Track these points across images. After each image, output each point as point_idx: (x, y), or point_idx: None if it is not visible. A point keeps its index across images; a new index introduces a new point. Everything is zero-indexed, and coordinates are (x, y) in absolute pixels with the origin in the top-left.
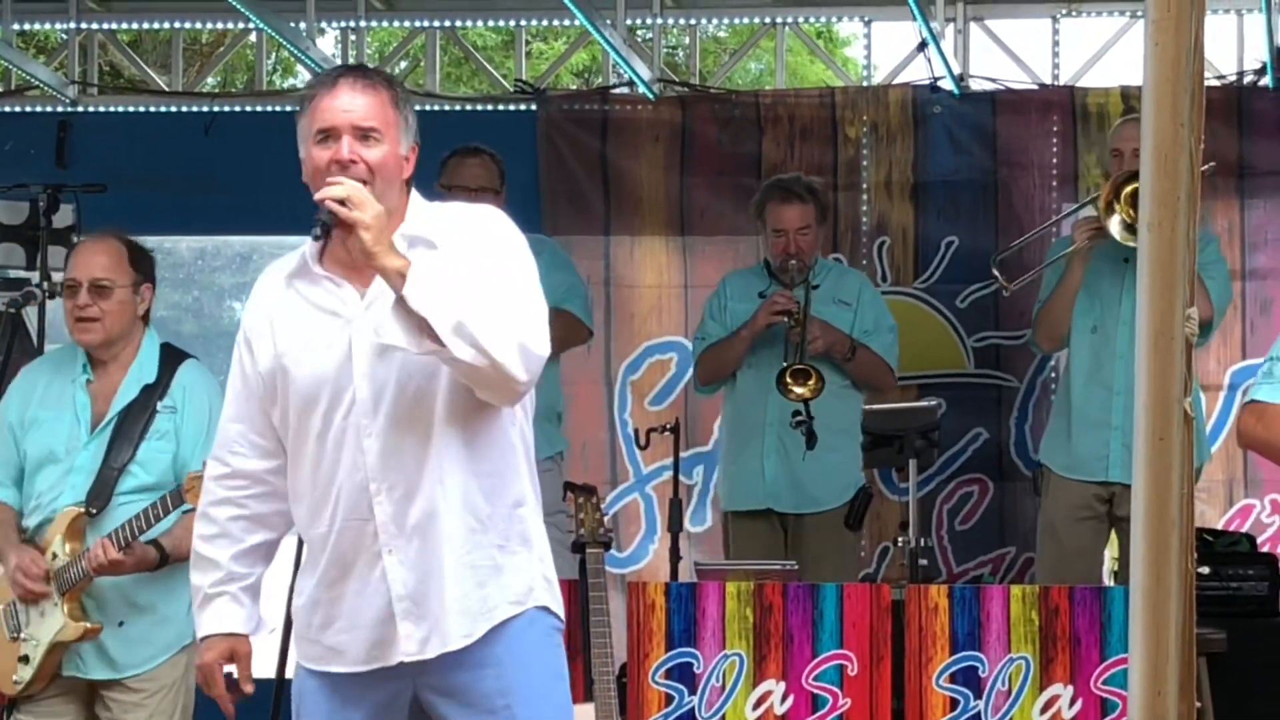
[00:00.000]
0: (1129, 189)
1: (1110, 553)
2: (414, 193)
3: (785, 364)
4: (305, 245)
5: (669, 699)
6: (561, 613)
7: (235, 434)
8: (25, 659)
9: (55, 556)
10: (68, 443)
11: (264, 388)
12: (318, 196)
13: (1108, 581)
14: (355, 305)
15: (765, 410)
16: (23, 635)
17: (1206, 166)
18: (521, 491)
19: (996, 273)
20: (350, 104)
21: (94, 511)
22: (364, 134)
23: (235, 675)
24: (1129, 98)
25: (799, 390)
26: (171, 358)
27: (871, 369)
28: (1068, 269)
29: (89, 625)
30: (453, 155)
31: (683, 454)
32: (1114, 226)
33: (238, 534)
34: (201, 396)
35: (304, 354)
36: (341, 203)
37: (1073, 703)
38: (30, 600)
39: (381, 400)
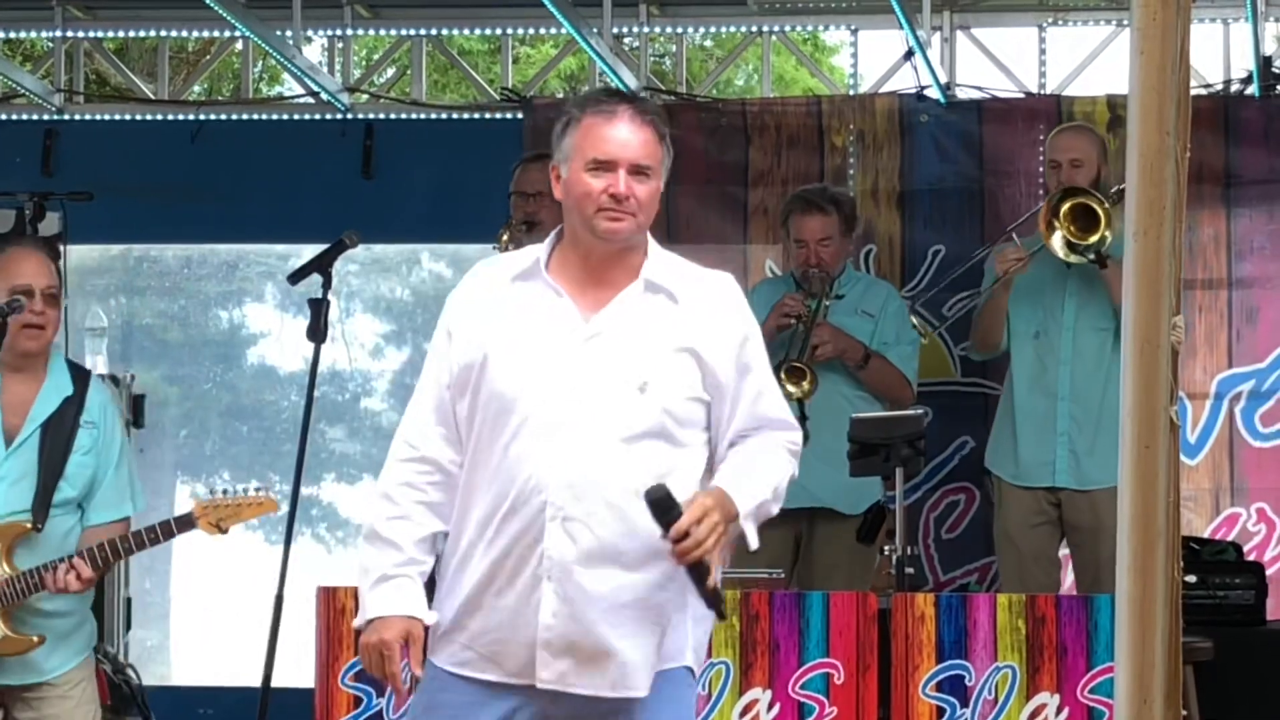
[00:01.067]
0: (1067, 205)
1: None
2: (650, 240)
3: (781, 361)
4: (537, 247)
5: None
6: (700, 668)
7: (429, 420)
8: None
9: None
10: None
11: (456, 378)
12: (682, 563)
13: (1068, 583)
14: (576, 323)
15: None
16: None
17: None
18: None
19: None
20: (631, 138)
21: (39, 528)
22: (639, 170)
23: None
24: (1115, 106)
25: (791, 388)
26: (79, 373)
27: (886, 380)
28: (995, 292)
29: (34, 638)
30: (520, 163)
31: None
32: (1056, 244)
33: (419, 519)
34: (114, 415)
35: (514, 359)
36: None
37: (1059, 711)
38: None
39: (585, 433)
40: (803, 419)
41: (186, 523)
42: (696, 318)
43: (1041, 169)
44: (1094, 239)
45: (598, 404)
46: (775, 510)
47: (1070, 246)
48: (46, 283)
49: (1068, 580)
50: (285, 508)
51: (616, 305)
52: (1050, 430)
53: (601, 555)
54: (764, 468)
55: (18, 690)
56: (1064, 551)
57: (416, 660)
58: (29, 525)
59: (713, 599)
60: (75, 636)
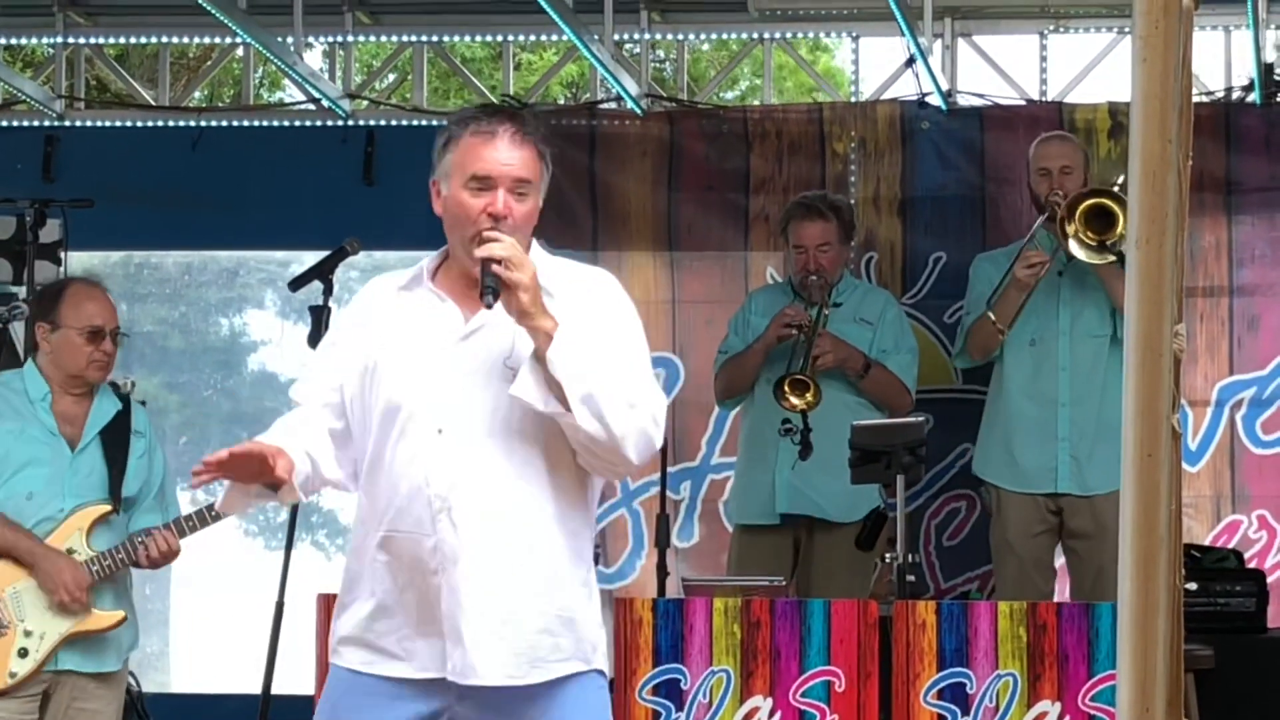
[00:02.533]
0: (1082, 208)
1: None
2: (535, 244)
3: (786, 373)
4: (424, 261)
5: (656, 715)
6: (611, 672)
7: (300, 410)
8: (24, 652)
9: (73, 551)
10: (52, 453)
11: (352, 386)
12: (480, 253)
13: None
14: (456, 325)
15: (780, 424)
16: (25, 628)
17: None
18: (588, 547)
19: (992, 315)
20: (510, 157)
21: (119, 510)
22: (519, 186)
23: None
24: (1116, 113)
25: (795, 400)
26: (117, 391)
27: (886, 388)
28: (1009, 295)
29: (121, 614)
30: None
31: (670, 469)
32: (1075, 249)
33: (302, 432)
34: (152, 431)
35: (398, 362)
36: (500, 262)
37: (1060, 719)
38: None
39: (466, 425)
40: (806, 430)
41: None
42: (568, 307)
43: None
44: (1116, 236)
45: (474, 396)
46: (577, 394)
47: (1094, 247)
48: (116, 324)
49: (1062, 588)
50: (283, 516)
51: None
52: (1050, 437)
53: (488, 545)
54: (611, 373)
55: (64, 680)
56: (1059, 561)
57: (285, 469)
58: (109, 508)
59: (484, 273)
60: (123, 636)
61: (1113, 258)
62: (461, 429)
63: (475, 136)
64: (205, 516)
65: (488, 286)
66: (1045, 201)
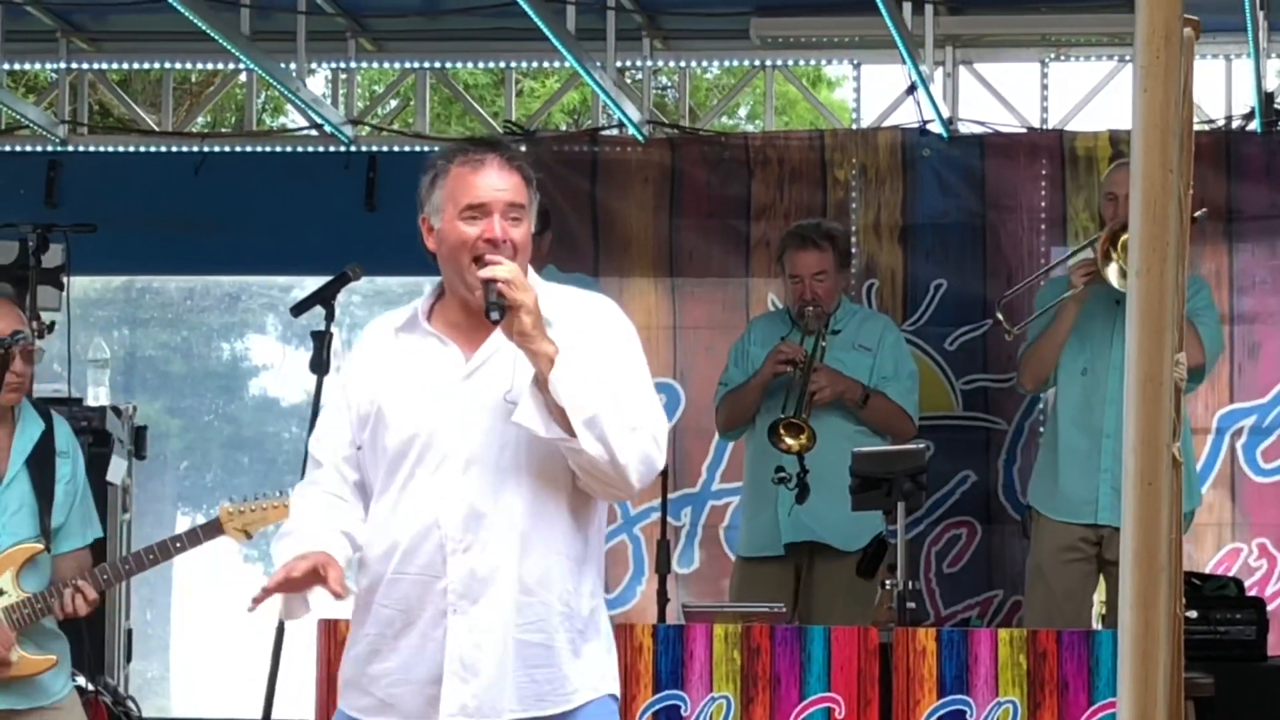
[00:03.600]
0: (1125, 236)
1: (1099, 596)
2: (532, 272)
3: (780, 416)
4: (418, 301)
5: None
6: (620, 695)
7: (322, 472)
8: None
9: (2, 593)
10: None
11: (359, 433)
12: (483, 275)
13: (1095, 625)
14: (458, 366)
15: (777, 458)
16: None
17: (1200, 212)
18: (599, 578)
19: (1000, 316)
20: (502, 183)
21: (49, 548)
22: (514, 210)
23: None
24: (1118, 141)
25: (790, 441)
26: (41, 408)
27: (886, 416)
28: (1061, 312)
29: (53, 658)
30: None
31: (670, 495)
32: (1112, 274)
33: (326, 511)
34: (77, 447)
35: (402, 405)
36: (502, 282)
37: None
38: None
39: (474, 463)
40: (802, 472)
41: (213, 529)
42: (569, 332)
43: (1044, 203)
44: None
45: (481, 434)
46: (580, 418)
47: (1125, 276)
48: (23, 338)
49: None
50: None
51: (494, 339)
52: (1094, 468)
53: (501, 583)
54: (613, 397)
55: (22, 714)
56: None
57: (336, 580)
58: (41, 546)
59: (488, 293)
60: (65, 664)
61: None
62: (469, 467)
63: (464, 167)
64: (139, 562)
65: (492, 304)
66: (1109, 226)
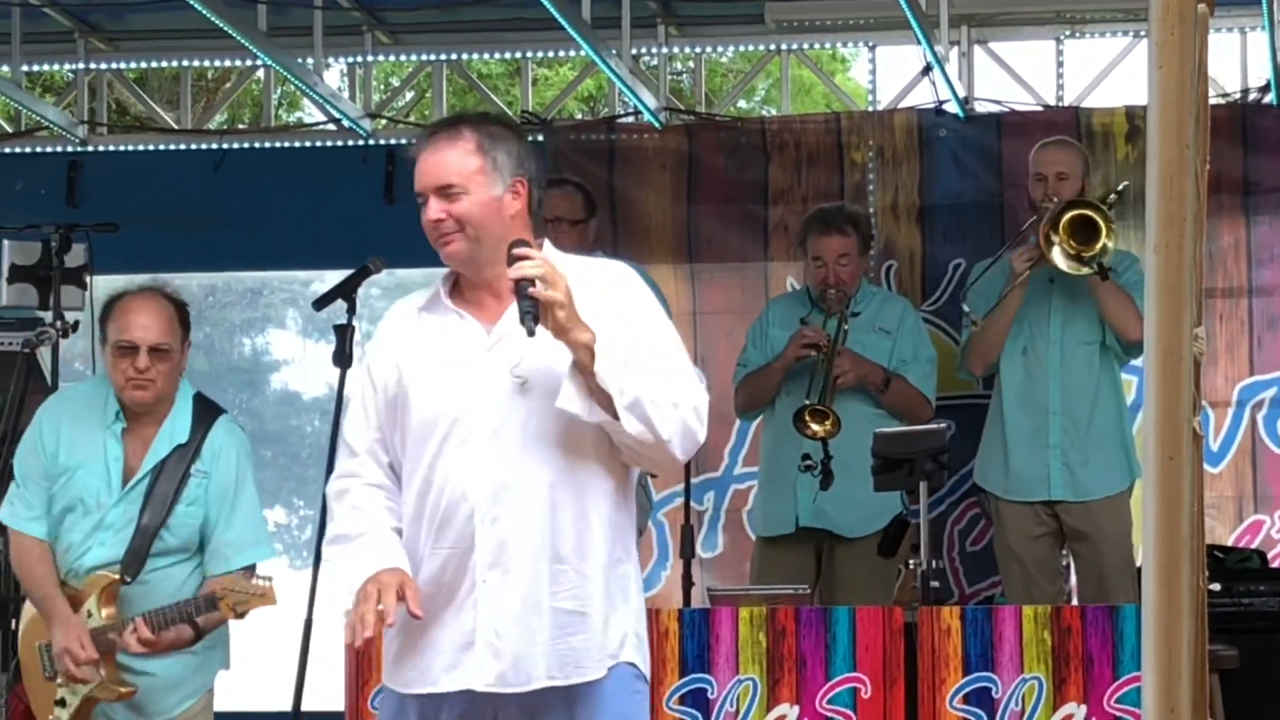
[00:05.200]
0: (1066, 218)
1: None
2: (546, 242)
3: (805, 403)
4: (439, 280)
5: None
6: (648, 671)
7: (357, 461)
8: (62, 702)
9: (90, 615)
10: (98, 495)
11: (385, 415)
12: (513, 275)
13: (1073, 601)
14: (480, 340)
15: (801, 443)
16: (59, 681)
17: (1122, 185)
18: (628, 544)
19: (966, 307)
20: (431, 165)
21: (128, 580)
22: (445, 191)
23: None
24: (1133, 117)
25: (816, 428)
26: (204, 414)
27: (906, 400)
28: (1007, 299)
29: (123, 690)
30: None
31: (693, 480)
32: (1057, 257)
33: (377, 510)
34: (231, 461)
35: (426, 384)
36: (534, 282)
37: None
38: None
39: (500, 436)
40: (826, 458)
41: (211, 603)
42: (594, 307)
43: None
44: (1096, 250)
45: (504, 405)
46: (623, 402)
47: (1074, 258)
48: (155, 340)
49: (1069, 587)
50: (309, 533)
51: (510, 313)
52: (1042, 444)
53: (530, 552)
54: (651, 375)
55: None
56: (1066, 559)
57: (415, 603)
58: (117, 577)
59: (520, 294)
60: (191, 678)
61: (1090, 270)
62: (496, 440)
63: (415, 157)
64: (172, 615)
65: (526, 311)
66: (1038, 206)
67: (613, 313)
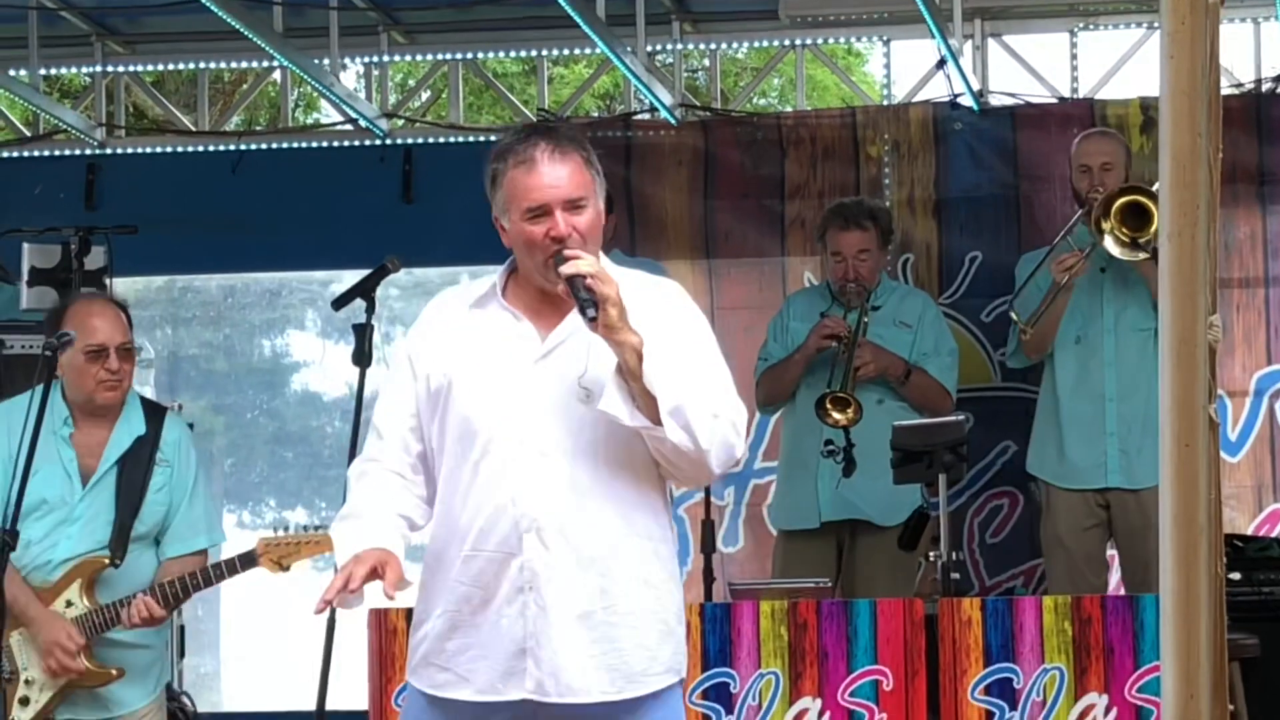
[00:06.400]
0: (1117, 205)
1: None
2: (601, 254)
3: (826, 390)
4: (494, 276)
5: (706, 719)
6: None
7: (382, 447)
8: (25, 701)
9: (70, 604)
10: (62, 494)
11: (425, 404)
12: (567, 271)
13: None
14: (533, 344)
15: (822, 431)
16: (24, 677)
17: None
18: (670, 561)
19: (1015, 315)
20: (555, 178)
21: (117, 564)
22: (573, 204)
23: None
24: (1148, 108)
25: (837, 416)
26: (153, 410)
27: (927, 392)
28: (1054, 299)
29: (113, 671)
30: None
31: None
32: (1110, 245)
33: (388, 495)
34: (189, 452)
35: (476, 381)
36: (587, 278)
37: (1108, 711)
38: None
39: (550, 446)
40: (849, 446)
41: (249, 560)
42: (643, 318)
43: None
44: (1150, 234)
45: (557, 415)
46: (666, 407)
47: (1128, 244)
48: (121, 340)
49: (1113, 581)
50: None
51: (569, 322)
52: (1099, 432)
53: (578, 562)
54: (696, 385)
55: None
56: (1110, 552)
57: (392, 583)
58: (107, 560)
59: (576, 289)
60: (149, 673)
61: (1145, 255)
62: (546, 448)
63: (517, 169)
64: (187, 585)
65: (584, 300)
66: (1085, 198)
67: (661, 325)
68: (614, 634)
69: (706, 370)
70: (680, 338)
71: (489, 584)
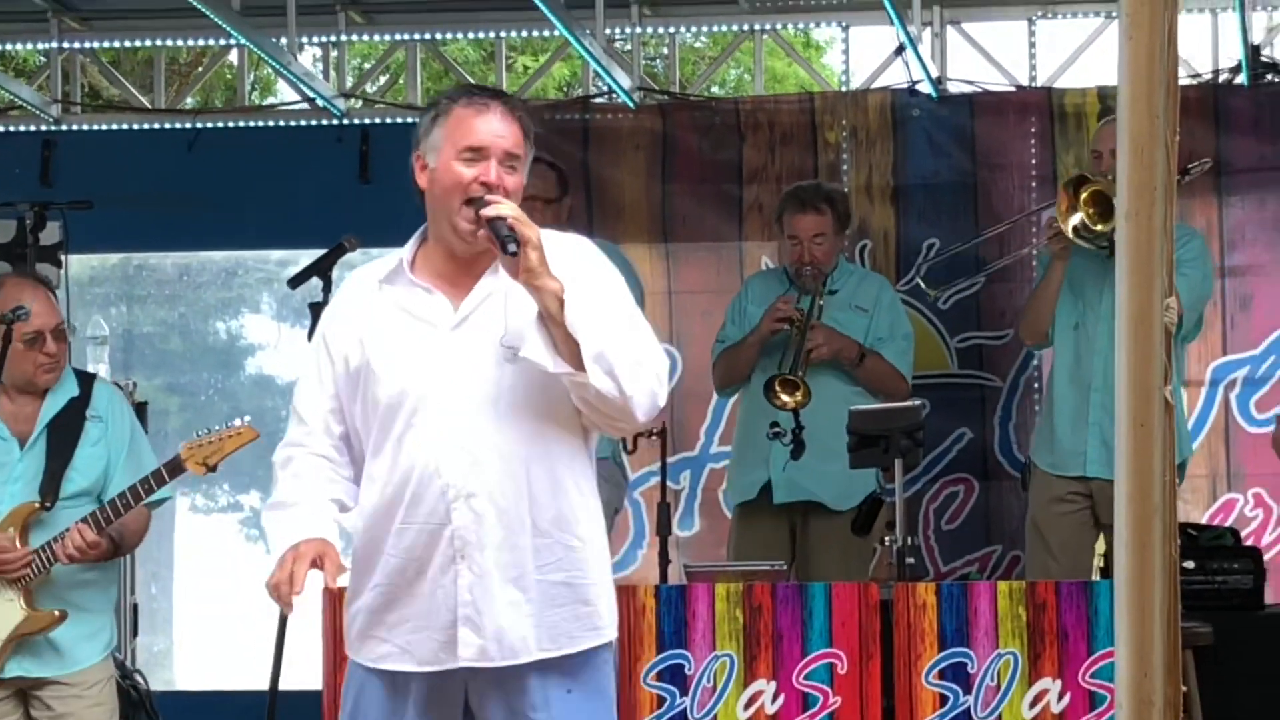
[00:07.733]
0: (1087, 191)
1: (1099, 548)
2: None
3: (776, 373)
4: (401, 251)
5: (660, 701)
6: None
7: (305, 431)
8: None
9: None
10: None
11: (346, 384)
12: (489, 213)
13: (1094, 578)
14: (447, 314)
15: (775, 414)
16: None
17: (1200, 163)
18: (599, 518)
19: (921, 283)
20: (503, 130)
21: (48, 505)
22: (510, 159)
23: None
24: (1106, 98)
25: (786, 399)
26: (83, 376)
27: (881, 376)
28: (1049, 269)
29: (55, 613)
30: None
31: (670, 459)
32: (1072, 226)
33: (316, 480)
34: (124, 411)
35: (393, 358)
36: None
37: (1061, 696)
38: None
39: (472, 410)
40: (798, 428)
41: (176, 467)
42: (562, 270)
43: (1034, 160)
44: (1105, 227)
45: (477, 381)
46: (589, 353)
47: (1082, 233)
48: (56, 323)
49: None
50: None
51: (480, 288)
52: (1083, 421)
53: (507, 526)
54: (617, 331)
55: (38, 686)
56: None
57: (332, 575)
58: (38, 504)
59: (498, 230)
60: (98, 636)
61: (1098, 246)
62: (468, 414)
63: (467, 108)
64: (117, 506)
65: (506, 236)
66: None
67: (580, 276)
68: (550, 592)
69: (627, 319)
70: (599, 288)
71: (421, 555)
